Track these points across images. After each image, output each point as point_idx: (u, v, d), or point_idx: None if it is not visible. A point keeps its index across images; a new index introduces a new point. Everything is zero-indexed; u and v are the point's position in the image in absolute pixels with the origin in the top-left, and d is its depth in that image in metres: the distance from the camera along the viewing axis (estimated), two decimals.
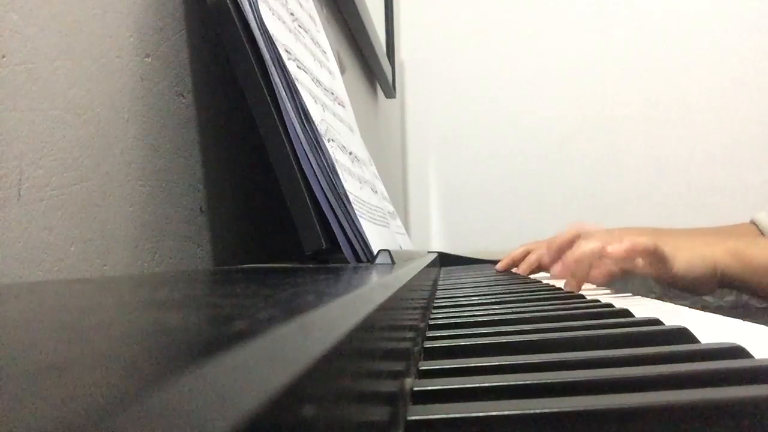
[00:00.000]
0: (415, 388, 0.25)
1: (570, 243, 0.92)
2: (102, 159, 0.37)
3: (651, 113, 1.99)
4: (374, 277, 0.30)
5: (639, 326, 0.38)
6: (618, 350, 0.31)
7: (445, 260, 1.36)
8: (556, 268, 0.87)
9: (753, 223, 1.12)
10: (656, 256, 0.68)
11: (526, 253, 1.05)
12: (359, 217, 0.47)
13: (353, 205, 0.47)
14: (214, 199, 0.51)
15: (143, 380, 0.08)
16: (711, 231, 1.12)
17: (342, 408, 0.12)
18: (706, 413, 0.21)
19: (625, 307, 0.46)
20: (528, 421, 0.21)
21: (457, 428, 0.21)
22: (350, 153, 0.58)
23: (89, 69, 0.37)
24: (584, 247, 0.69)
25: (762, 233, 1.09)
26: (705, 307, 0.71)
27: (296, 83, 0.47)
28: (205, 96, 0.51)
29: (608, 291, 0.74)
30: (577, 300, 0.54)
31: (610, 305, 0.48)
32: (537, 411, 0.21)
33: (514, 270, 1.05)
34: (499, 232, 2.00)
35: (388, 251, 0.46)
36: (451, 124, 2.08)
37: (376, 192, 0.66)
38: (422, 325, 0.39)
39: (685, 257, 0.71)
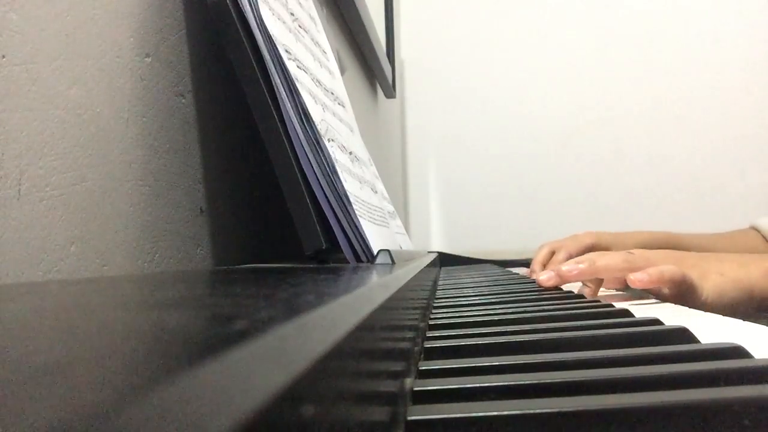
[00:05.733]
0: (415, 388, 0.25)
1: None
2: (102, 159, 0.37)
3: (652, 113, 1.99)
4: (374, 277, 0.30)
5: (639, 326, 0.38)
6: (618, 350, 0.31)
7: (445, 260, 1.36)
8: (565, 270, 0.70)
9: (754, 228, 1.11)
10: (684, 286, 0.61)
11: (551, 253, 1.01)
12: (359, 217, 0.47)
13: (353, 205, 0.47)
14: (214, 199, 0.51)
15: (143, 380, 0.08)
16: (712, 237, 1.10)
17: (342, 408, 0.12)
18: (706, 413, 0.21)
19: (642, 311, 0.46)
20: (528, 421, 0.21)
21: (457, 428, 0.21)
22: (350, 153, 0.58)
23: (89, 69, 0.37)
24: (611, 261, 0.63)
25: (766, 239, 1.08)
26: None
27: (296, 83, 0.47)
28: (205, 96, 0.51)
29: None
30: (577, 300, 0.54)
31: (610, 305, 0.48)
32: (537, 411, 0.21)
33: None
34: (499, 232, 2.00)
35: (388, 251, 0.46)
36: (451, 124, 2.08)
37: (376, 192, 0.66)
38: (422, 325, 0.39)
39: (715, 283, 0.63)
